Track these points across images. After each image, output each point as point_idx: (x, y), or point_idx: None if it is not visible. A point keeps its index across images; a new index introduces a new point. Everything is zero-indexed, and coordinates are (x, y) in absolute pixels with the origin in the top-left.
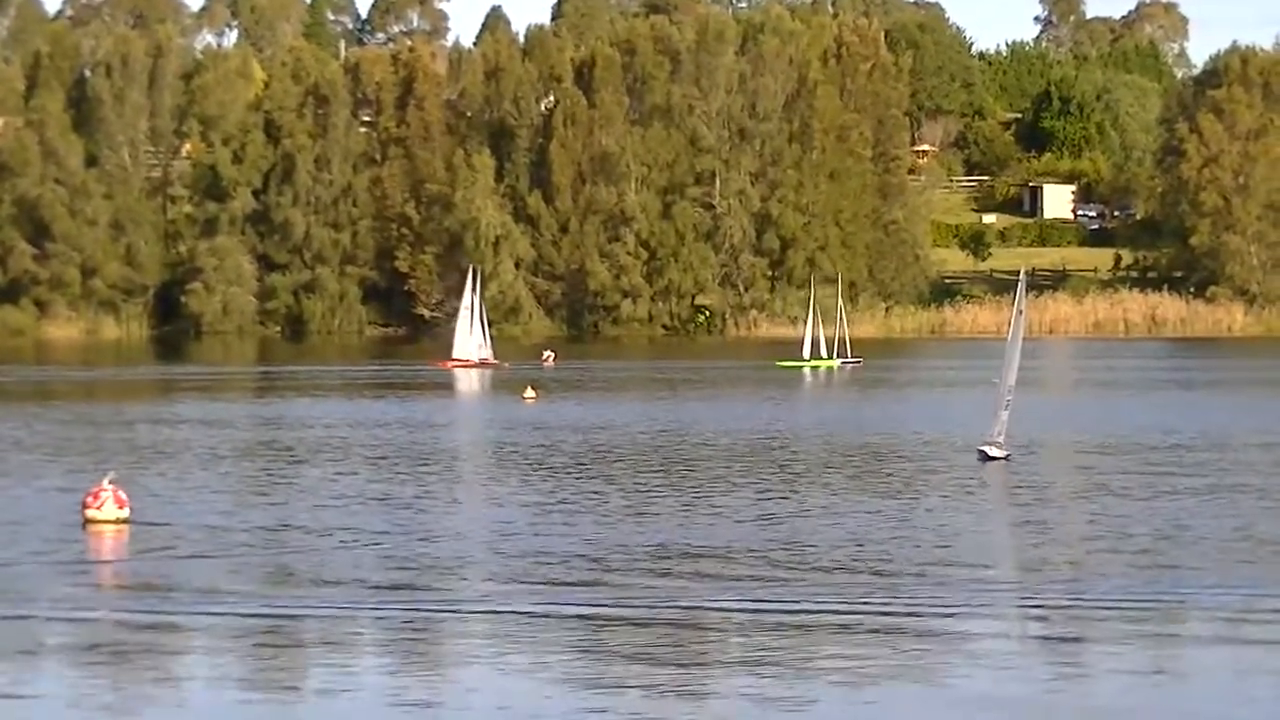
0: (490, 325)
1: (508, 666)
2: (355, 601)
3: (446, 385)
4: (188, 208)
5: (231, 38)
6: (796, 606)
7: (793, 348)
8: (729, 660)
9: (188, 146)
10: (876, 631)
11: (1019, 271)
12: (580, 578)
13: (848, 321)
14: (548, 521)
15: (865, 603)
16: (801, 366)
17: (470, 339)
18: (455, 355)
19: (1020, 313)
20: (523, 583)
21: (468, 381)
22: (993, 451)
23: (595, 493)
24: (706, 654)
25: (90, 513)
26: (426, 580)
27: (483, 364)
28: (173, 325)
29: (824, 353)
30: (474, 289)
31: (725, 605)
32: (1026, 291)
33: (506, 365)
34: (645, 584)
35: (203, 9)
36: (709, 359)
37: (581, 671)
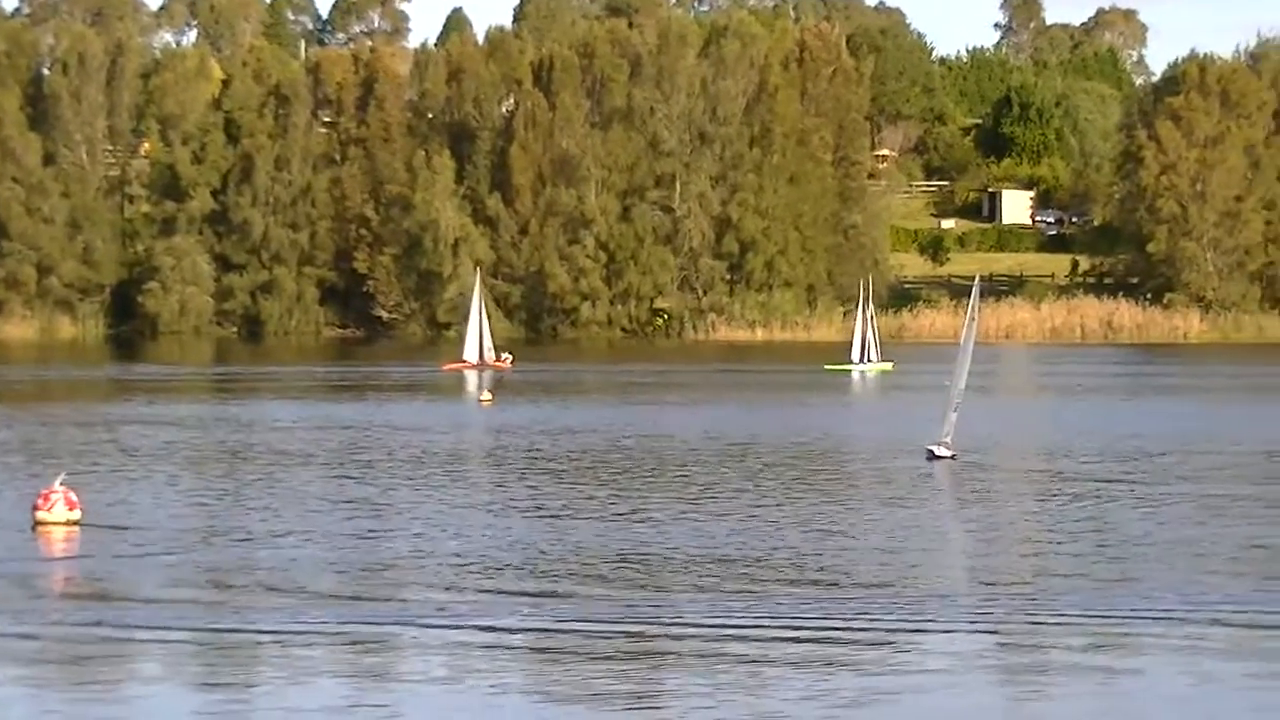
0: (449, 327)
1: (456, 681)
2: (304, 610)
3: (409, 387)
4: (145, 207)
5: (191, 37)
6: (751, 620)
7: (754, 351)
8: (683, 676)
9: (146, 145)
10: (828, 645)
11: (975, 277)
12: (534, 589)
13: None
14: (501, 528)
15: (820, 617)
16: (849, 370)
17: (476, 340)
18: (463, 357)
19: (973, 318)
20: (475, 592)
21: (474, 382)
22: (940, 451)
23: (548, 498)
24: (660, 670)
25: (40, 514)
26: (379, 589)
27: (488, 365)
28: (129, 325)
29: (874, 356)
30: (475, 290)
31: (681, 619)
32: (983, 297)
33: (509, 362)
34: (600, 595)
35: (161, 8)
36: (686, 362)
37: (532, 686)
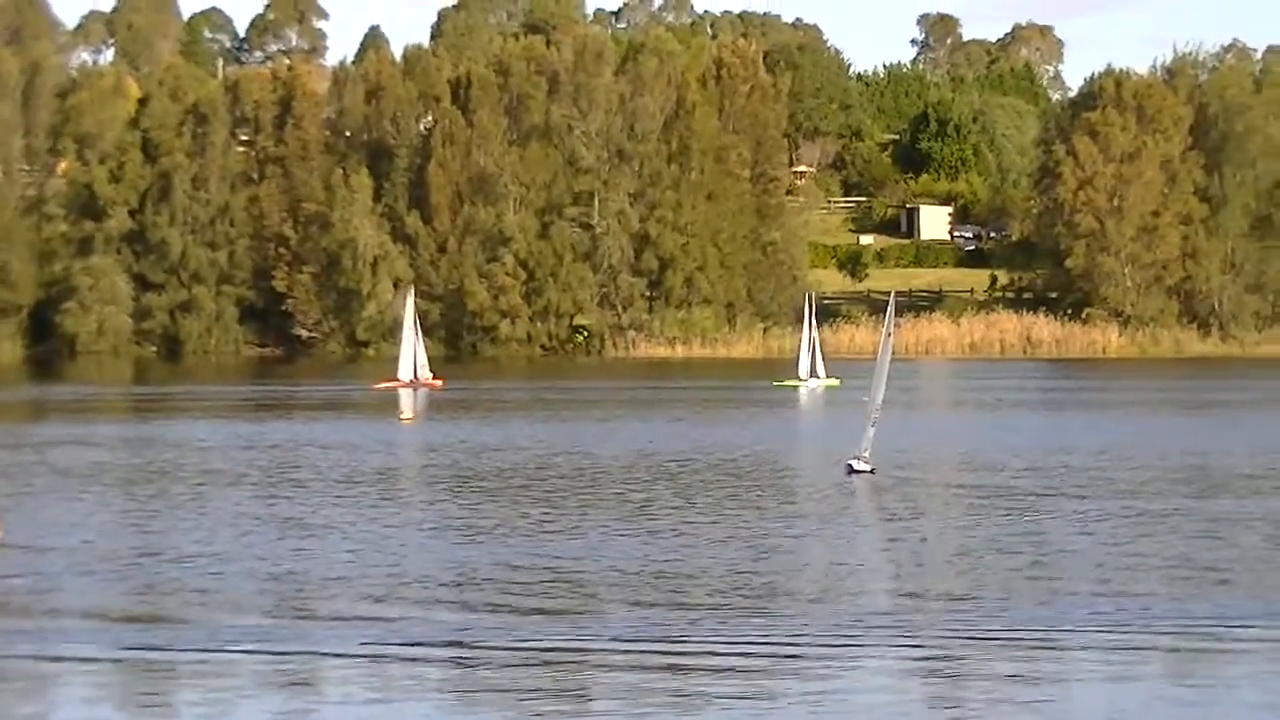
0: (368, 345)
1: (381, 703)
2: (229, 632)
3: (331, 405)
4: (63, 226)
5: (108, 55)
6: (681, 640)
7: (674, 368)
8: (612, 698)
9: (63, 165)
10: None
11: (891, 293)
12: (462, 608)
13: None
14: (429, 548)
15: (743, 637)
16: (797, 386)
17: (410, 359)
18: (397, 376)
19: (889, 334)
20: (403, 613)
21: (407, 401)
22: (858, 465)
23: (477, 516)
24: (589, 691)
25: None
26: (305, 610)
27: (421, 383)
28: (47, 345)
29: (820, 372)
30: (408, 309)
31: (610, 638)
32: (902, 313)
33: (441, 382)
34: (520, 616)
35: (79, 27)
36: (613, 378)
37: (458, 708)
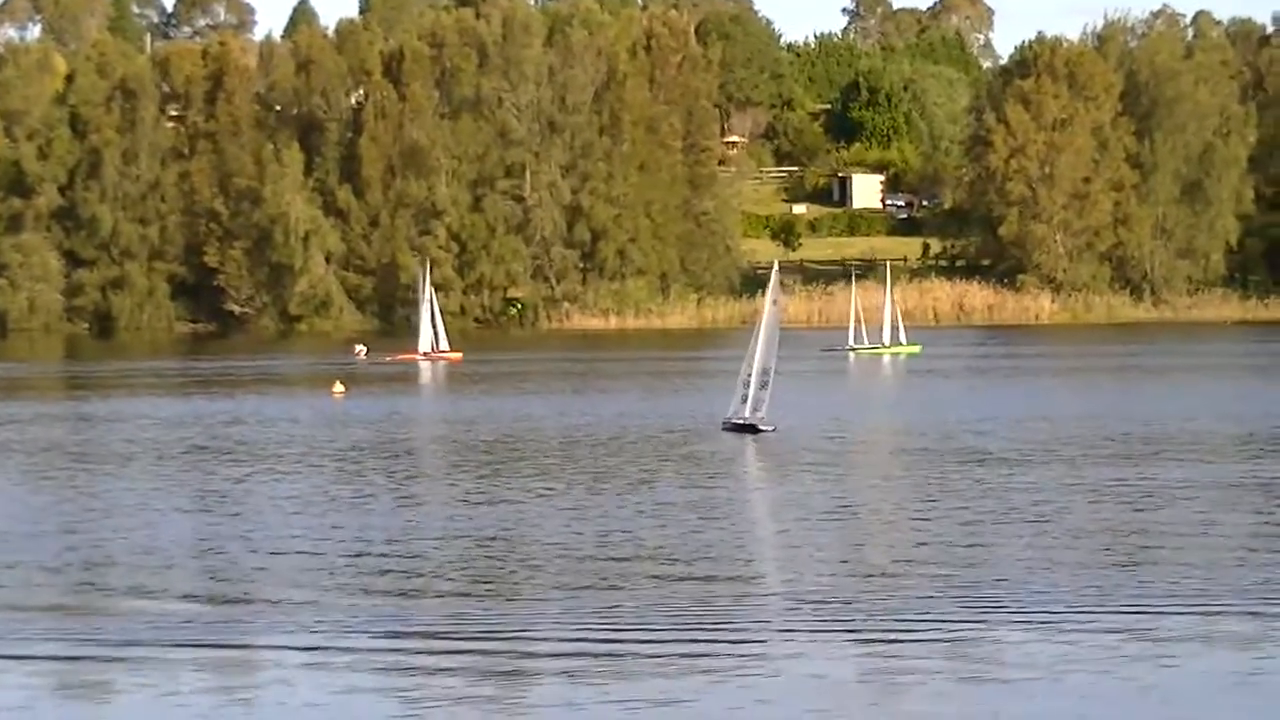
0: (300, 320)
1: (311, 688)
2: (156, 619)
3: (264, 380)
4: None
5: (35, 32)
6: (613, 624)
7: (608, 339)
8: (543, 684)
9: None
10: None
11: (774, 263)
12: (383, 589)
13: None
14: (348, 527)
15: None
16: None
17: (429, 332)
18: (417, 349)
19: (774, 301)
20: (335, 596)
21: (428, 374)
22: (762, 426)
23: (397, 492)
24: (519, 676)
25: None
26: (227, 592)
27: (439, 356)
28: None
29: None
30: (427, 283)
31: (541, 622)
32: (836, 280)
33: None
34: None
35: (4, 3)
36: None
37: (389, 690)
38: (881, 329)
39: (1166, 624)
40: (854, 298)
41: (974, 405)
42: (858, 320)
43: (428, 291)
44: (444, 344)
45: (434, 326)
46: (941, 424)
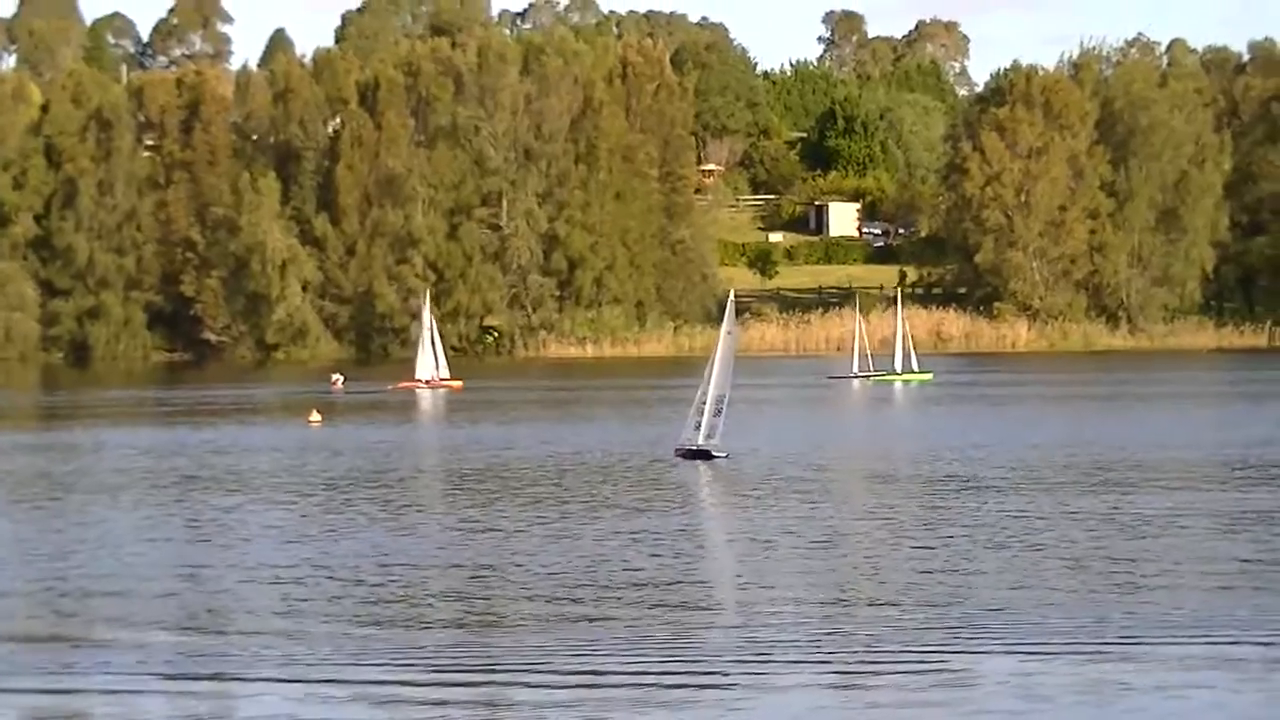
0: (277, 349)
1: None
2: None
3: (246, 410)
4: None
5: (9, 61)
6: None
7: (583, 368)
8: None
9: None
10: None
11: (729, 293)
12: (375, 622)
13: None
14: (327, 557)
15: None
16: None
17: (430, 359)
18: (416, 377)
19: (729, 332)
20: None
21: (429, 401)
22: (715, 452)
23: (399, 520)
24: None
25: None
26: (200, 624)
27: (440, 384)
28: None
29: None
30: (426, 310)
31: (523, 652)
32: (814, 309)
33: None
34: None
35: None
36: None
37: None
38: (874, 356)
39: (1161, 652)
40: (859, 325)
41: (1003, 433)
42: (862, 347)
43: (427, 319)
44: (444, 372)
45: (434, 354)
46: (957, 450)
